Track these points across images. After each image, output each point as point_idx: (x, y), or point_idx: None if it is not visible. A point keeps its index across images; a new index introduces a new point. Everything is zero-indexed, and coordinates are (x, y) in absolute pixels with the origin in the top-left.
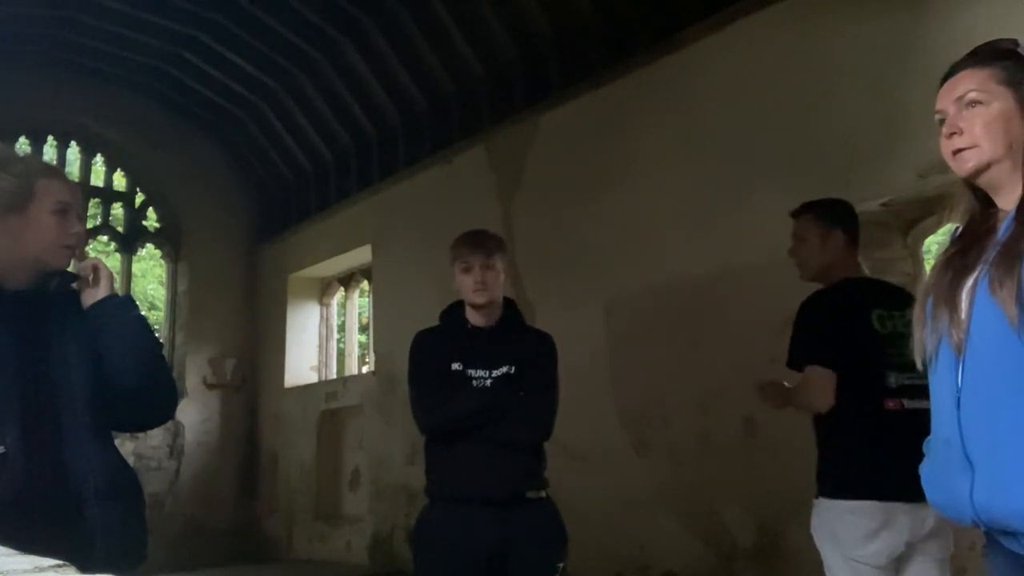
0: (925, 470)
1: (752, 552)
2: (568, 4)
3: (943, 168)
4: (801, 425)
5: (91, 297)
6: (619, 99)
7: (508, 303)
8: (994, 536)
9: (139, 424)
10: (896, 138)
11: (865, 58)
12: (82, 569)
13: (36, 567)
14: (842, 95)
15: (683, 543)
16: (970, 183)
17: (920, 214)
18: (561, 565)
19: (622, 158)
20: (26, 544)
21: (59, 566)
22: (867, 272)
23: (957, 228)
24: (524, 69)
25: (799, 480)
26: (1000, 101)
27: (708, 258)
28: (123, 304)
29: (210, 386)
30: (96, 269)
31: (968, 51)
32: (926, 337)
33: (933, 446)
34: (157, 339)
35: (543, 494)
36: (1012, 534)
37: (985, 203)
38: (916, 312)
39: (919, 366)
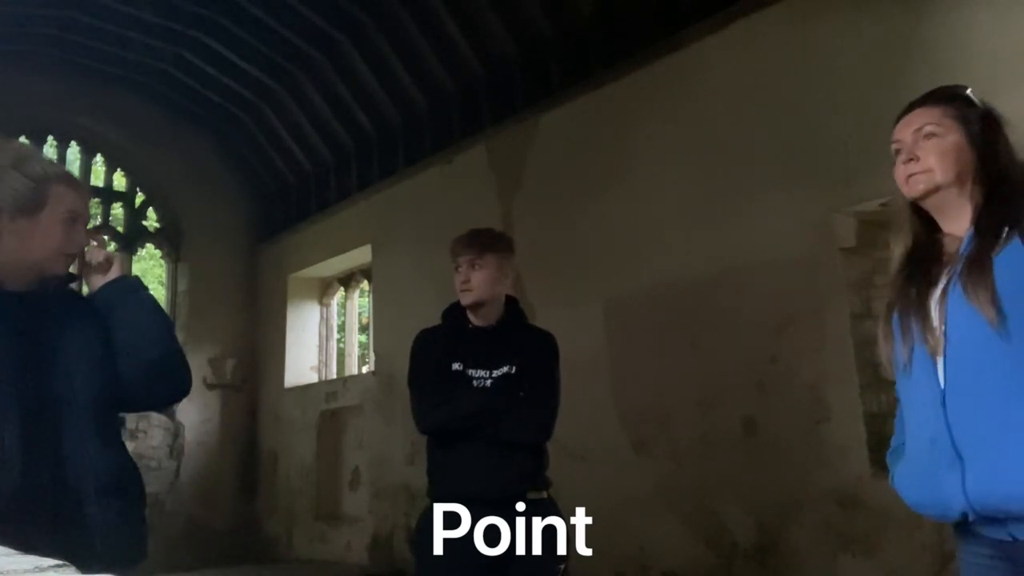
0: (900, 473)
1: (752, 552)
2: (568, 4)
3: None
4: (801, 425)
5: (101, 281)
6: (619, 99)
7: (511, 302)
8: (974, 529)
9: (160, 398)
10: None
11: (865, 59)
12: (82, 568)
13: (36, 567)
14: (842, 95)
15: (683, 543)
16: (915, 208)
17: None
18: (563, 567)
19: (622, 158)
20: (26, 543)
21: (59, 566)
22: None
23: (905, 249)
24: (524, 69)
25: (799, 480)
26: (953, 135)
27: (708, 258)
28: (135, 284)
29: (210, 386)
30: (109, 261)
31: (929, 90)
32: (896, 349)
33: (914, 448)
34: (165, 314)
35: (544, 495)
36: (1000, 521)
37: (928, 228)
38: (881, 328)
39: (889, 376)
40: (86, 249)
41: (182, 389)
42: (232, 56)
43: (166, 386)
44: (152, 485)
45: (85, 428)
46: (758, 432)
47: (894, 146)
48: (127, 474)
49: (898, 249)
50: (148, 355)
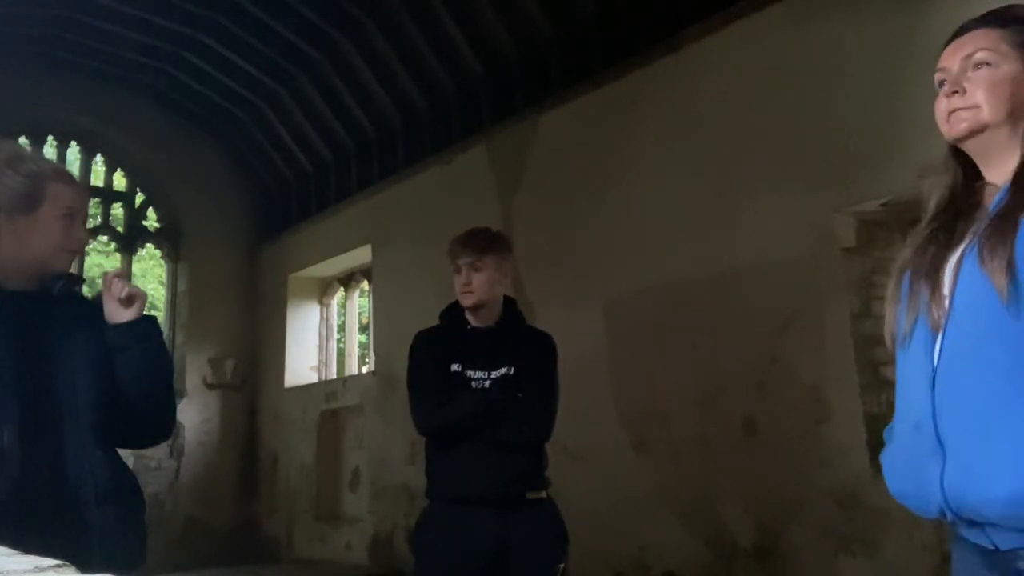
0: (886, 457)
1: (752, 552)
2: (568, 4)
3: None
4: (801, 425)
5: (119, 315)
6: (619, 99)
7: (509, 303)
8: (957, 530)
9: (143, 438)
10: (896, 138)
11: (865, 59)
12: (81, 570)
13: (36, 567)
14: (842, 95)
15: (683, 543)
16: (956, 154)
17: (920, 214)
18: (562, 566)
19: (622, 158)
20: (24, 544)
21: (59, 566)
22: None
23: (939, 199)
24: (524, 69)
25: (799, 480)
26: (1010, 64)
27: (708, 258)
28: (149, 330)
29: (210, 386)
30: (131, 299)
31: (989, 10)
32: (899, 315)
33: (898, 432)
34: (170, 359)
35: (543, 495)
36: (979, 525)
37: (968, 178)
38: (890, 290)
39: (888, 346)
40: (109, 279)
41: (162, 434)
42: (232, 56)
43: (150, 429)
44: (152, 485)
45: (86, 432)
46: (758, 432)
47: (938, 76)
48: (126, 480)
49: (932, 200)
50: (139, 398)
